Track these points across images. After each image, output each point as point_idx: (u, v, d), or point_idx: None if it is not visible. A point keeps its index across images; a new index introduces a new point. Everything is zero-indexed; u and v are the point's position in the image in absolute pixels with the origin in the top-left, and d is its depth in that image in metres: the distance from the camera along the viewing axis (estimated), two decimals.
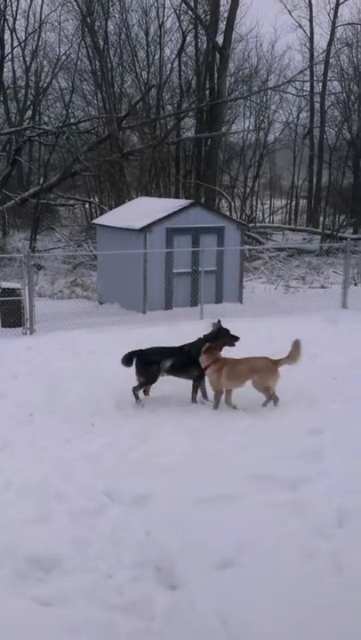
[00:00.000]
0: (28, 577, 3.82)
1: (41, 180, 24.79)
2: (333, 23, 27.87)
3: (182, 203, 15.59)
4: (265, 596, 3.60)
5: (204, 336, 7.63)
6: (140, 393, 7.51)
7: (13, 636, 3.32)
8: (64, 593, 3.66)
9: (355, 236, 25.09)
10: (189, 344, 7.68)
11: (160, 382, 7.63)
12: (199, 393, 7.50)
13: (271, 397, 7.16)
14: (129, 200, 20.20)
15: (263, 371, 7.12)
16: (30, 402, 7.34)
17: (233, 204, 27.41)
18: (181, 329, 11.16)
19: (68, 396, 7.54)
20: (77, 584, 3.75)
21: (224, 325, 7.75)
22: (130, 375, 7.66)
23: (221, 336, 7.56)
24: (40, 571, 3.87)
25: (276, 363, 7.18)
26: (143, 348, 7.60)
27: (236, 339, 7.59)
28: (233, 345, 7.55)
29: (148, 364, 7.42)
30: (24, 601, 3.59)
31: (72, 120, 25.51)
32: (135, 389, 7.41)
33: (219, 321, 7.85)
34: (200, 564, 3.88)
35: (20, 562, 3.91)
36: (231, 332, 7.63)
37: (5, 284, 14.29)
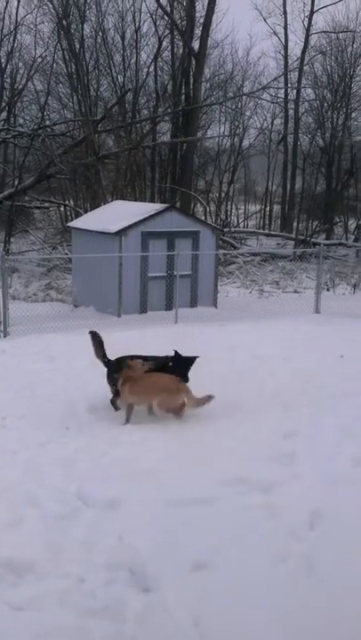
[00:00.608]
0: (2, 581, 3.79)
1: (15, 182, 24.63)
2: (308, 31, 28.30)
3: (158, 207, 15.63)
4: (238, 598, 3.63)
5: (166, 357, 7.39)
6: None
7: None
8: (36, 597, 3.65)
9: (327, 242, 25.45)
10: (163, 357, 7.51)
11: None
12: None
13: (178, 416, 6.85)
14: (104, 203, 20.17)
15: (166, 392, 6.83)
16: (3, 405, 7.28)
17: (208, 209, 27.57)
18: (156, 333, 11.19)
19: (41, 400, 7.49)
20: (50, 588, 3.74)
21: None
22: (105, 381, 7.65)
23: (176, 366, 7.26)
24: (13, 575, 3.84)
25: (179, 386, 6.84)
26: (119, 357, 7.50)
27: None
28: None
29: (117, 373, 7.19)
30: None
31: (47, 122, 25.43)
32: (112, 401, 7.25)
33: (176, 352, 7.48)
34: (173, 567, 3.89)
35: None
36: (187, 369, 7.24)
37: None
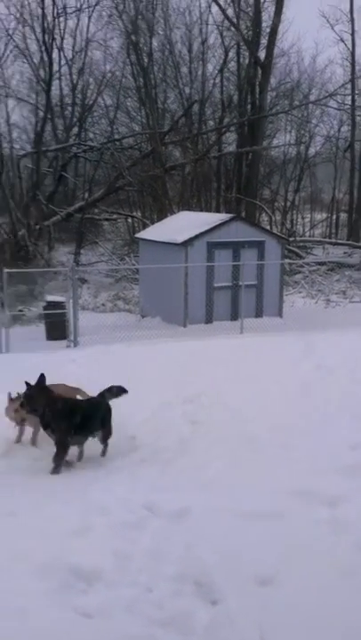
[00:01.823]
0: (72, 588, 3.89)
1: (86, 195, 25.32)
2: None
3: (223, 217, 15.69)
4: (304, 613, 3.61)
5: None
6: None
7: None
8: (105, 605, 3.72)
9: None
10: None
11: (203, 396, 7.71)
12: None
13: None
14: (171, 214, 20.42)
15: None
16: None
17: (273, 218, 27.40)
18: (221, 343, 11.23)
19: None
20: (118, 597, 3.81)
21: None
22: (171, 388, 7.74)
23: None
24: (82, 582, 3.95)
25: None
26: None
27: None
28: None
29: None
30: (67, 612, 3.66)
31: (116, 136, 26.02)
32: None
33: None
34: (240, 580, 3.91)
35: (64, 573, 4.00)
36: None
37: (51, 298, 14.63)
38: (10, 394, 6.49)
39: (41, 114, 24.84)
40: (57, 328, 13.41)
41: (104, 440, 6.37)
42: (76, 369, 9.85)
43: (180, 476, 5.61)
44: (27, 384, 6.00)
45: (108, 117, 26.52)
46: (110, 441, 6.53)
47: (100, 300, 18.98)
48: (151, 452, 6.27)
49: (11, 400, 6.43)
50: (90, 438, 6.31)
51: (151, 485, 5.41)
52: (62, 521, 4.74)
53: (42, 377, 6.05)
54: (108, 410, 6.44)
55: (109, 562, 4.16)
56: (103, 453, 6.35)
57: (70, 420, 6.01)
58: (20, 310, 16.74)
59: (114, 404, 6.51)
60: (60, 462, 5.94)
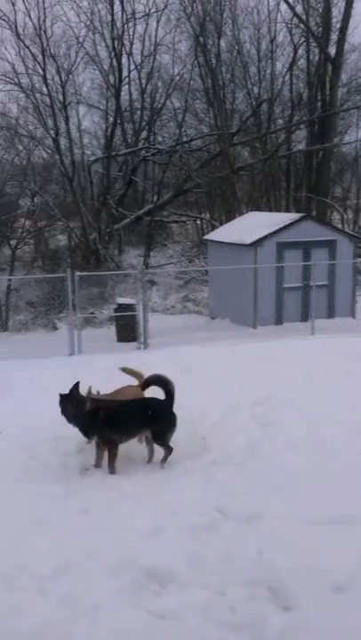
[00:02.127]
0: (145, 589, 3.92)
1: (155, 198, 25.60)
2: None
3: (293, 216, 15.49)
4: None
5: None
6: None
7: None
8: (178, 608, 3.72)
9: None
10: None
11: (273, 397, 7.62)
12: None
13: None
14: (239, 215, 20.33)
15: None
16: None
17: (345, 217, 26.75)
18: (292, 344, 11.07)
19: (177, 411, 7.67)
20: (191, 599, 3.80)
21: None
22: (241, 390, 7.67)
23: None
24: (156, 584, 3.96)
25: None
26: None
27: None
28: None
29: None
30: (141, 612, 3.69)
31: (185, 138, 26.16)
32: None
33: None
34: (314, 586, 3.82)
35: (138, 573, 4.03)
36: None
37: (121, 300, 14.89)
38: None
39: (111, 119, 25.30)
40: (127, 330, 13.62)
41: (155, 440, 6.17)
42: (147, 371, 9.95)
43: (251, 479, 5.55)
44: (60, 395, 6.04)
45: (177, 120, 26.70)
46: (181, 442, 6.53)
47: (169, 302, 19.13)
48: (222, 455, 6.24)
49: None
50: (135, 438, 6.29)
51: (223, 488, 5.38)
52: (134, 521, 4.79)
53: (76, 385, 6.09)
54: (159, 411, 6.17)
55: (182, 564, 4.16)
56: (161, 459, 6.15)
57: (103, 421, 6.00)
58: (92, 313, 17.11)
59: (183, 405, 6.53)
60: (110, 464, 6.00)
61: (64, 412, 6.05)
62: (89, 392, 6.23)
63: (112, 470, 6.00)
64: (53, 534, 4.65)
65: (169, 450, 6.14)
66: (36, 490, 5.52)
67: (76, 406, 6.02)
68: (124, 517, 4.90)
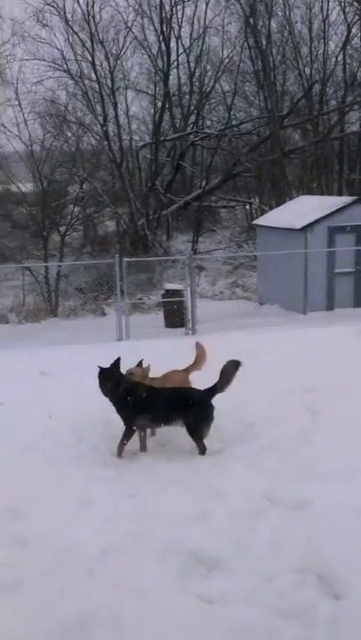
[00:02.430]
0: (192, 573, 3.91)
1: (203, 183, 25.44)
2: None
3: (345, 200, 15.11)
4: None
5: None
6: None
7: (178, 628, 3.42)
8: (225, 592, 3.70)
9: None
10: None
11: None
12: None
13: None
14: (290, 199, 19.98)
15: None
16: None
17: None
18: (343, 330, 10.82)
19: (225, 398, 7.60)
20: (238, 585, 3.77)
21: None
22: (291, 377, 7.53)
23: None
24: (202, 568, 3.95)
25: None
26: None
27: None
28: None
29: None
30: (188, 596, 3.68)
31: (234, 122, 25.83)
32: None
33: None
34: None
35: (185, 557, 4.02)
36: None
37: (169, 286, 14.89)
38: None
39: (159, 104, 25.20)
40: (175, 316, 13.61)
41: (189, 434, 5.97)
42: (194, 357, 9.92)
43: (301, 467, 5.45)
44: (99, 368, 6.10)
45: (226, 103, 26.38)
46: (228, 427, 6.49)
47: (217, 288, 19.05)
48: (271, 441, 6.15)
49: None
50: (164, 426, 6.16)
51: (271, 475, 5.30)
52: (182, 506, 4.78)
53: (117, 361, 6.14)
54: (194, 403, 5.98)
55: (229, 549, 4.13)
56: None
57: (133, 404, 5.98)
58: (140, 298, 17.19)
59: (231, 392, 6.47)
60: (120, 445, 5.99)
61: (101, 385, 6.09)
62: (139, 364, 6.36)
63: (120, 453, 5.99)
64: (101, 517, 4.69)
65: (202, 447, 5.92)
66: (85, 473, 5.58)
67: (112, 381, 6.05)
68: (171, 502, 4.89)
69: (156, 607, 3.61)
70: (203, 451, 5.93)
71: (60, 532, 4.45)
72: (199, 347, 6.97)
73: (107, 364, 6.17)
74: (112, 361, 6.18)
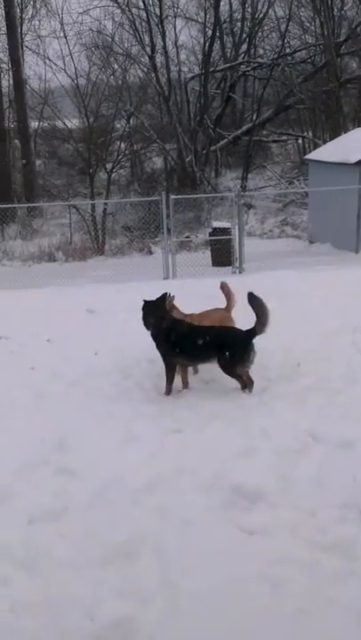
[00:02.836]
0: (234, 506, 3.95)
1: (254, 117, 24.54)
2: None
3: None
4: None
5: None
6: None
7: (220, 558, 3.49)
8: (267, 525, 3.74)
9: None
10: None
11: None
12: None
13: None
14: (345, 132, 19.08)
15: None
16: None
17: None
18: None
19: (271, 337, 7.51)
20: (280, 518, 3.80)
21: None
22: (340, 316, 7.36)
23: None
24: (245, 501, 3.99)
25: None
26: None
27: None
28: None
29: None
30: (230, 528, 3.73)
31: (287, 50, 24.61)
32: None
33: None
34: None
35: (228, 491, 4.07)
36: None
37: (217, 224, 14.63)
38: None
39: (209, 32, 24.16)
40: (222, 254, 13.43)
41: (225, 372, 5.94)
42: (242, 295, 9.80)
43: (348, 406, 5.39)
44: (144, 302, 6.07)
45: (280, 30, 25.11)
46: (275, 366, 6.43)
47: (266, 226, 18.64)
48: (317, 380, 6.07)
49: None
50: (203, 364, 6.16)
51: (317, 413, 5.26)
52: (226, 441, 4.81)
53: (163, 296, 6.08)
54: (232, 342, 5.90)
55: (272, 484, 4.15)
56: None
57: (174, 341, 5.93)
58: (187, 237, 17.00)
59: (278, 331, 6.34)
60: (167, 384, 6.00)
61: (144, 318, 6.06)
62: (163, 297, 6.18)
63: (168, 391, 6.02)
64: (146, 451, 4.76)
65: (242, 383, 5.90)
66: (131, 409, 5.66)
67: (155, 316, 6.01)
68: (214, 437, 4.93)
69: (199, 537, 3.68)
70: (244, 386, 5.91)
71: (105, 464, 4.55)
72: (225, 286, 6.83)
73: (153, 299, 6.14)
74: (158, 296, 6.13)
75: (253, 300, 5.97)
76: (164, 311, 6.10)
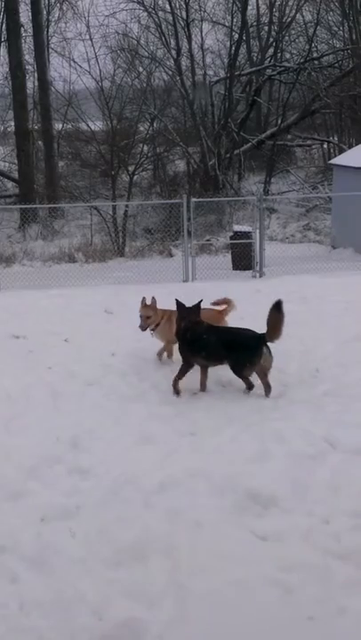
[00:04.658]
0: (247, 510, 3.93)
1: (279, 121, 24.40)
2: None
3: None
4: None
5: None
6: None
7: (231, 562, 3.47)
8: (280, 531, 3.71)
9: None
10: None
11: None
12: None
13: None
14: None
15: None
16: None
17: None
18: None
19: (290, 341, 7.44)
20: (293, 524, 3.77)
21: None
22: (358, 322, 7.28)
23: None
24: (258, 506, 3.96)
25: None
26: None
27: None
28: None
29: None
30: (242, 532, 3.71)
31: (315, 54, 24.44)
32: None
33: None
34: None
35: (241, 495, 4.05)
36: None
37: (238, 228, 14.56)
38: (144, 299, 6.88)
39: (236, 36, 24.08)
40: (243, 258, 13.36)
41: (234, 373, 5.99)
42: (261, 299, 9.73)
43: None
44: (176, 301, 6.15)
45: (307, 35, 24.89)
46: (293, 371, 6.38)
47: (289, 231, 18.51)
48: (335, 387, 6.01)
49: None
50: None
51: (333, 420, 5.20)
52: (240, 445, 4.78)
53: (199, 302, 6.13)
54: (244, 344, 5.93)
55: (286, 489, 4.12)
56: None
57: (191, 343, 6.02)
58: (208, 240, 16.95)
59: (297, 335, 6.26)
60: (174, 381, 6.06)
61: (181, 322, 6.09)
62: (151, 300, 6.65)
63: (175, 390, 6.03)
64: (160, 453, 4.76)
65: (249, 383, 5.94)
66: (147, 410, 5.66)
67: (187, 322, 6.05)
68: (229, 441, 4.91)
69: (211, 540, 3.66)
70: (250, 387, 5.95)
71: (118, 464, 4.56)
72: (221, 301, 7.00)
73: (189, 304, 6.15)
74: (195, 302, 6.14)
75: (275, 311, 5.95)
76: (186, 314, 6.12)
